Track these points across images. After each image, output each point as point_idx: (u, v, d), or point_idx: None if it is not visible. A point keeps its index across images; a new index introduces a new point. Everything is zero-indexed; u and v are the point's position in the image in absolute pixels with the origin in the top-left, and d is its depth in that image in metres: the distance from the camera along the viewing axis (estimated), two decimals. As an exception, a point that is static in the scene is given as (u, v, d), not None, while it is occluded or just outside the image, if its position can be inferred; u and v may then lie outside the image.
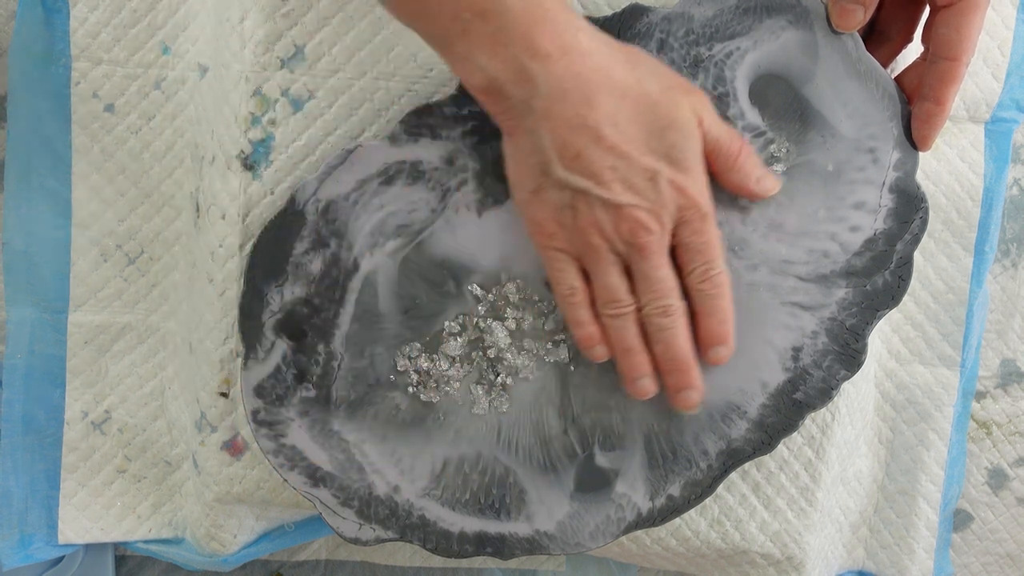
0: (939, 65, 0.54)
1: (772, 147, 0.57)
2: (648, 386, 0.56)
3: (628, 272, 0.54)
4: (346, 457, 0.60)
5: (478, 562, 0.77)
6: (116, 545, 0.73)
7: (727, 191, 0.56)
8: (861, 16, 0.55)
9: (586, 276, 0.55)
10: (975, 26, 0.53)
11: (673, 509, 0.60)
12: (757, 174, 0.56)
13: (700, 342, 0.56)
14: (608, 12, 0.58)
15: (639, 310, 0.54)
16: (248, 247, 0.61)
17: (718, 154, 0.54)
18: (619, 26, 0.57)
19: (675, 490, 0.60)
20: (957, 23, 0.53)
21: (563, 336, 0.59)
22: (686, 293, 0.55)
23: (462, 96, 0.58)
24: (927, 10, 0.56)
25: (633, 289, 0.54)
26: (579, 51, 0.49)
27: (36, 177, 0.67)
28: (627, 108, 0.50)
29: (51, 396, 0.70)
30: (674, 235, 0.53)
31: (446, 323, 0.59)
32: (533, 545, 0.61)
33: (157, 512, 0.71)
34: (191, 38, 0.66)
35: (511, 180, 0.55)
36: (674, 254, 0.54)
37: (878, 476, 0.71)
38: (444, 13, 0.49)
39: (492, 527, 0.60)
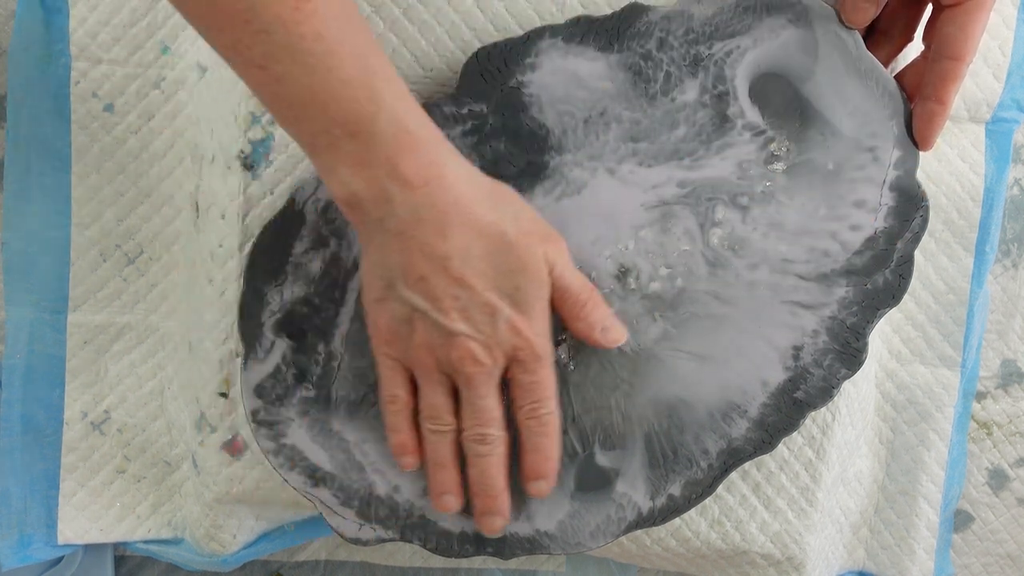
0: (942, 64, 0.54)
1: (772, 146, 0.57)
2: (451, 503, 0.57)
3: (456, 393, 0.55)
4: (346, 457, 0.60)
5: (478, 562, 0.77)
6: (115, 545, 0.73)
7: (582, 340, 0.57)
8: (873, 12, 0.55)
9: (415, 385, 0.56)
10: (980, 26, 0.53)
11: (674, 509, 0.60)
12: (603, 324, 0.56)
13: (523, 473, 0.56)
14: (608, 11, 0.58)
15: (460, 431, 0.55)
16: (248, 247, 0.61)
17: (565, 302, 0.55)
18: (618, 25, 0.57)
19: (676, 489, 0.60)
20: (962, 22, 0.53)
21: (563, 336, 0.59)
22: (515, 425, 0.56)
23: (462, 95, 0.58)
24: (928, 9, 0.56)
25: (457, 411, 0.55)
26: (441, 183, 0.50)
27: (35, 176, 0.67)
28: (481, 245, 0.51)
29: (50, 396, 0.70)
30: (508, 371, 0.54)
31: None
32: (534, 545, 0.60)
33: (156, 512, 0.71)
34: (190, 38, 0.65)
35: (361, 282, 0.56)
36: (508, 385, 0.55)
37: (879, 476, 0.71)
38: (315, 126, 0.49)
39: (492, 527, 0.60)
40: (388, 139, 0.49)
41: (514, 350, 0.53)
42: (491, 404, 0.54)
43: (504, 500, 0.57)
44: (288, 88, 0.48)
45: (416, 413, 0.56)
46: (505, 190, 0.54)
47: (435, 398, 0.54)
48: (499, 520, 0.57)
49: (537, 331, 0.53)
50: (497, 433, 0.55)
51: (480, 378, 0.53)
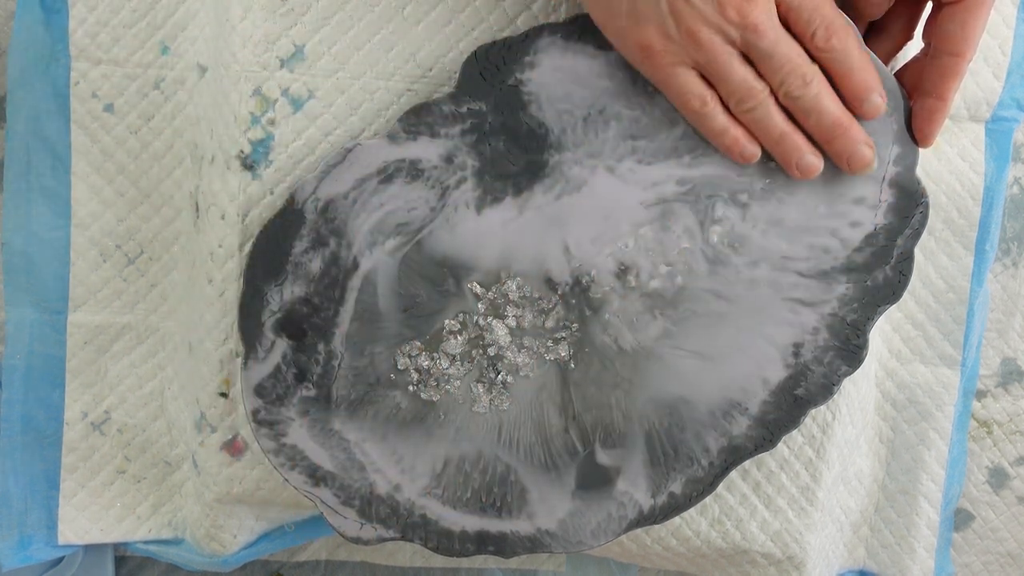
0: (942, 61, 0.54)
1: (772, 143, 0.57)
2: (814, 162, 0.55)
3: (748, 60, 0.52)
4: (347, 456, 0.60)
5: (479, 562, 0.77)
6: (116, 546, 0.73)
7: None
8: (886, 4, 0.55)
9: (708, 83, 0.53)
10: (980, 23, 0.53)
11: (675, 507, 0.60)
12: None
13: (850, 101, 0.54)
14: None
15: (774, 94, 0.53)
16: (247, 247, 0.61)
17: None
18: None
19: (677, 487, 0.60)
20: (963, 19, 0.53)
21: (563, 334, 0.59)
22: (813, 59, 0.53)
23: (461, 94, 0.58)
24: (928, 6, 0.56)
25: (761, 75, 0.52)
26: None
27: (35, 177, 0.67)
28: None
29: (51, 396, 0.69)
30: (779, 4, 0.51)
31: (446, 321, 0.59)
32: (535, 543, 0.60)
33: (157, 513, 0.71)
34: (190, 38, 0.66)
35: (599, 22, 0.54)
36: (787, 25, 0.52)
37: (879, 475, 0.71)
38: None
39: (493, 525, 0.60)
40: None
41: None
42: (788, 44, 0.51)
43: (858, 127, 0.54)
44: None
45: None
46: None
47: (735, 73, 0.52)
48: (867, 150, 0.54)
49: None
50: (811, 68, 0.52)
51: (764, 21, 0.50)
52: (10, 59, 0.66)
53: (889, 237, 0.57)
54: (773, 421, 0.59)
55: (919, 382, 0.70)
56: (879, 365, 0.70)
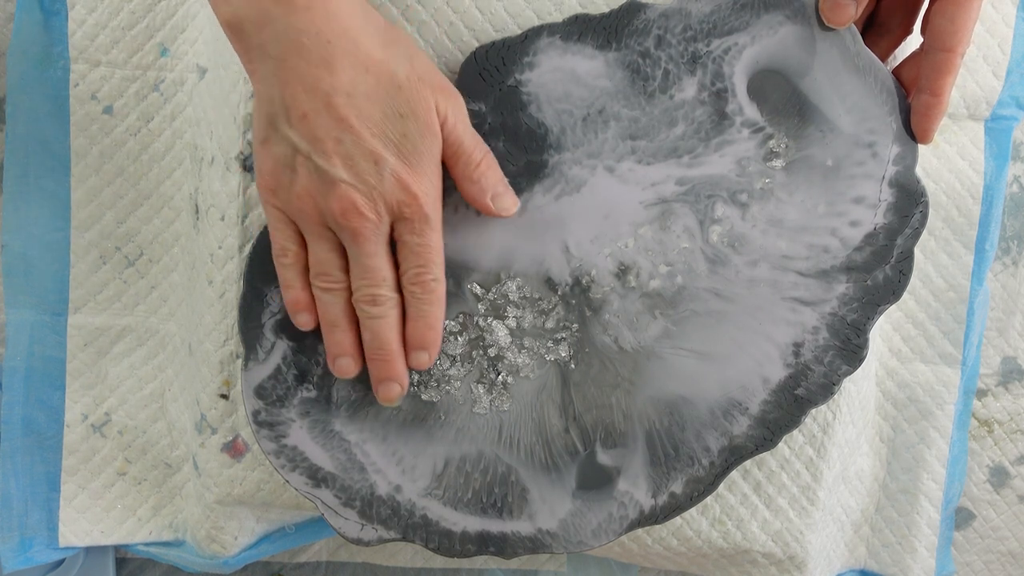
0: (935, 56, 0.54)
1: (771, 142, 0.57)
2: (348, 366, 0.55)
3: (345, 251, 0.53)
4: (347, 457, 0.60)
5: (479, 562, 0.77)
6: (117, 548, 0.73)
7: (472, 204, 0.55)
8: (853, 12, 0.55)
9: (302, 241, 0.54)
10: (971, 17, 0.53)
11: (675, 507, 0.60)
12: (495, 190, 0.55)
13: (406, 343, 0.55)
14: (606, 9, 0.58)
15: (351, 291, 0.53)
16: (247, 248, 0.61)
17: (458, 159, 0.53)
18: (616, 23, 0.57)
19: (677, 487, 0.60)
20: (952, 14, 0.53)
21: (564, 334, 0.59)
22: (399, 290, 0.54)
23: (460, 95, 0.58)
24: (926, 1, 0.56)
25: (348, 268, 0.53)
26: (326, 8, 0.47)
27: (35, 179, 0.67)
28: (368, 83, 0.48)
29: (51, 398, 0.69)
30: (395, 230, 0.52)
31: (446, 322, 0.59)
32: (535, 544, 0.60)
33: (158, 514, 0.71)
34: (189, 40, 0.66)
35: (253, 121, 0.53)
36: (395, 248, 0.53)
37: (879, 474, 0.71)
38: None
39: (494, 526, 0.60)
40: None
41: (399, 206, 0.50)
42: (380, 263, 0.52)
43: (400, 365, 0.55)
44: None
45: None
46: (401, 32, 0.52)
47: (320, 253, 0.52)
48: (396, 387, 0.56)
49: (425, 188, 0.51)
50: (388, 294, 0.53)
51: (366, 232, 0.50)
52: (9, 61, 0.66)
53: (889, 236, 0.57)
54: (773, 420, 0.59)
55: (920, 381, 0.70)
56: (879, 364, 0.70)
